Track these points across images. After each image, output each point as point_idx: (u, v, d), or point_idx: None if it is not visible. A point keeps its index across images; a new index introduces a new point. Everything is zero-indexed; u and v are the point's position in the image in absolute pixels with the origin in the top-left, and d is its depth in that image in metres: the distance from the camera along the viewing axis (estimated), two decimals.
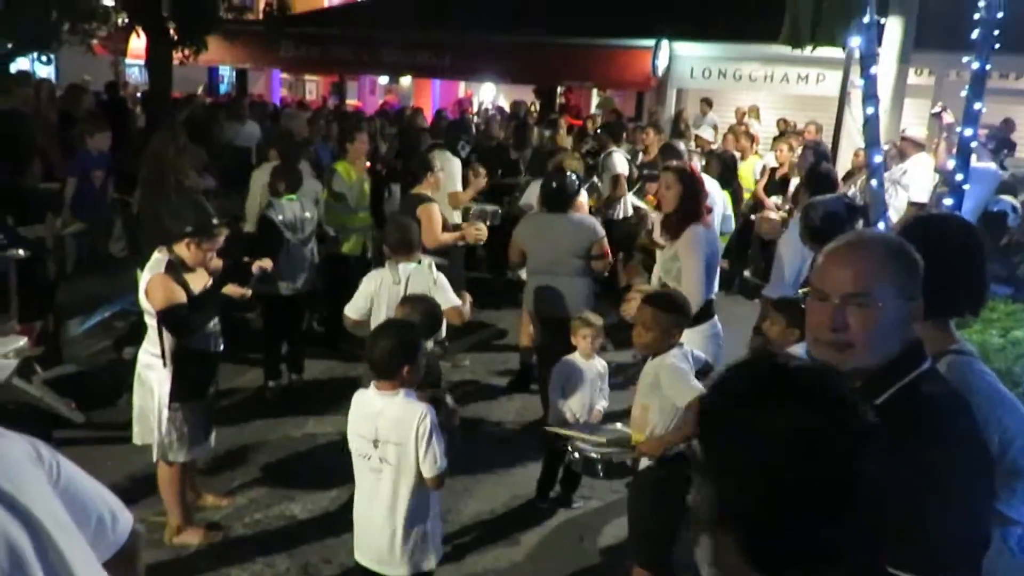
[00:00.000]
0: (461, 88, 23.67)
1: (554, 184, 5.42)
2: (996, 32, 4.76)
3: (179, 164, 5.75)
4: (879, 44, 5.83)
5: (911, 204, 7.39)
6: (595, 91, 18.77)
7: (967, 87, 4.99)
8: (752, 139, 10.38)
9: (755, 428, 1.11)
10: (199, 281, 3.98)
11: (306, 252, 5.96)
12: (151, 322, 3.90)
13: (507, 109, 17.33)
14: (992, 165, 7.79)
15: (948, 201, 5.21)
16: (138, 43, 13.35)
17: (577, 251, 5.27)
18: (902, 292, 1.62)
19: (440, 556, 3.26)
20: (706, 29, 13.47)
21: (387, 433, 3.00)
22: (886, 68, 8.23)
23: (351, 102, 19.70)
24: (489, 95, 23.45)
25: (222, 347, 4.21)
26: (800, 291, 4.15)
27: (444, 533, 3.50)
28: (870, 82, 5.33)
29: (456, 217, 7.09)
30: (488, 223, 6.85)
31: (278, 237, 5.70)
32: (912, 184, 7.50)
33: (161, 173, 5.68)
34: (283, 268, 5.64)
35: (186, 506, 4.18)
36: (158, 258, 3.92)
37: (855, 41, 5.43)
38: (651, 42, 13.84)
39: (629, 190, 8.47)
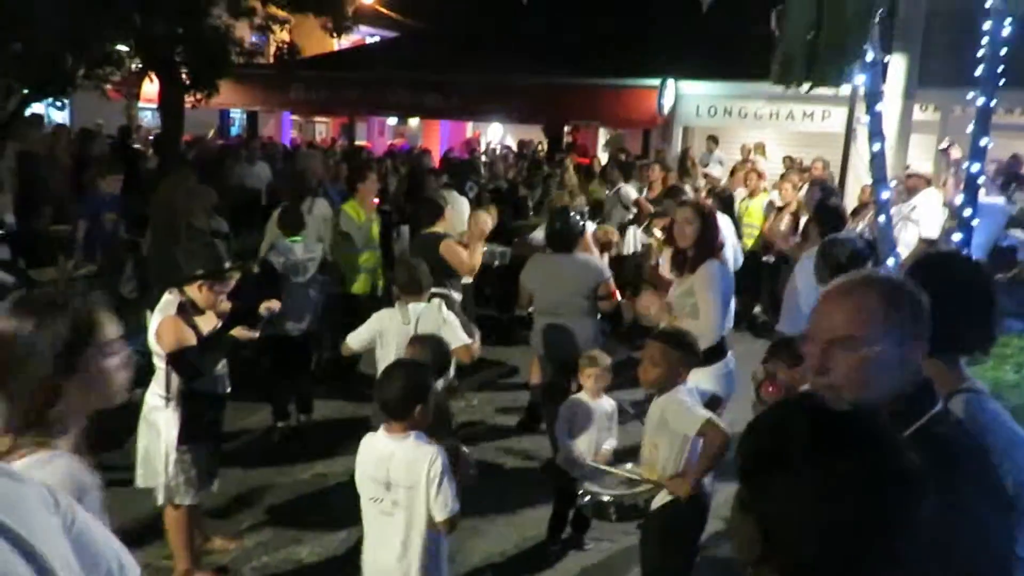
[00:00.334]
0: (469, 128, 23.90)
1: (558, 225, 5.44)
2: (1000, 68, 4.78)
3: (189, 206, 5.81)
4: (883, 81, 5.86)
5: (922, 240, 7.38)
6: (601, 129, 18.93)
7: (973, 123, 5.00)
8: (760, 176, 10.41)
9: (804, 474, 1.13)
10: (208, 323, 3.99)
11: (310, 292, 5.97)
12: (159, 364, 3.90)
13: (515, 148, 17.48)
14: (1001, 200, 7.79)
15: (957, 236, 5.19)
16: (151, 87, 13.60)
17: (583, 291, 5.27)
18: (893, 336, 1.60)
19: None
20: (711, 68, 13.61)
21: (398, 476, 2.98)
22: (891, 105, 8.28)
23: (360, 142, 19.93)
24: (497, 135, 23.66)
25: (229, 389, 4.20)
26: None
27: (453, 575, 3.45)
28: (875, 119, 5.36)
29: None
30: (497, 264, 6.88)
31: (277, 279, 5.74)
32: (922, 220, 7.49)
33: (171, 215, 5.74)
34: (288, 309, 5.66)
35: (193, 549, 4.13)
36: (169, 299, 3.94)
37: (859, 79, 5.47)
38: (657, 81, 14.00)
39: (637, 225, 8.52)
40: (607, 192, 9.69)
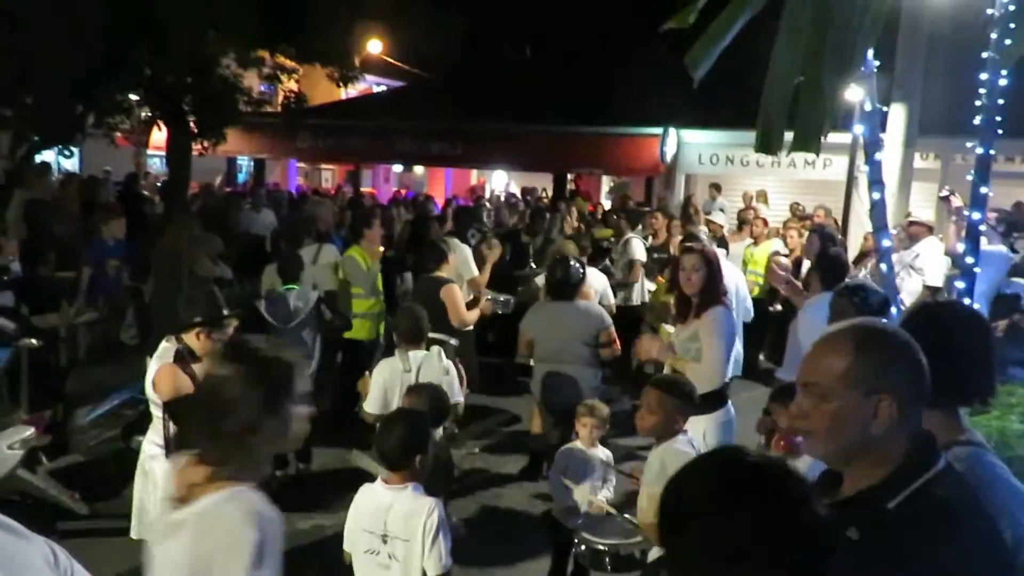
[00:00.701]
0: (474, 175, 24.12)
1: (559, 273, 5.46)
2: (999, 118, 4.82)
3: (192, 253, 5.84)
4: (883, 130, 5.91)
5: (926, 288, 7.36)
6: (604, 176, 19.07)
7: (972, 171, 5.02)
8: (765, 223, 10.45)
9: (715, 525, 1.14)
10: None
11: (302, 337, 5.93)
12: (156, 412, 3.88)
13: (519, 195, 17.61)
14: (1003, 248, 7.77)
15: (960, 284, 5.18)
16: (159, 135, 13.75)
17: (584, 338, 5.26)
18: (860, 386, 1.57)
19: None
20: (712, 117, 13.74)
21: (396, 529, 2.94)
22: (891, 153, 8.32)
23: (366, 189, 20.09)
24: (501, 182, 23.85)
25: None
26: None
27: None
28: (875, 168, 5.38)
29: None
30: (501, 312, 6.90)
31: (264, 327, 5.74)
32: (926, 268, 7.49)
33: (174, 262, 5.77)
34: None
35: None
36: (166, 347, 3.93)
37: (858, 128, 5.51)
38: (659, 130, 14.14)
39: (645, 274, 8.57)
40: (611, 239, 9.75)
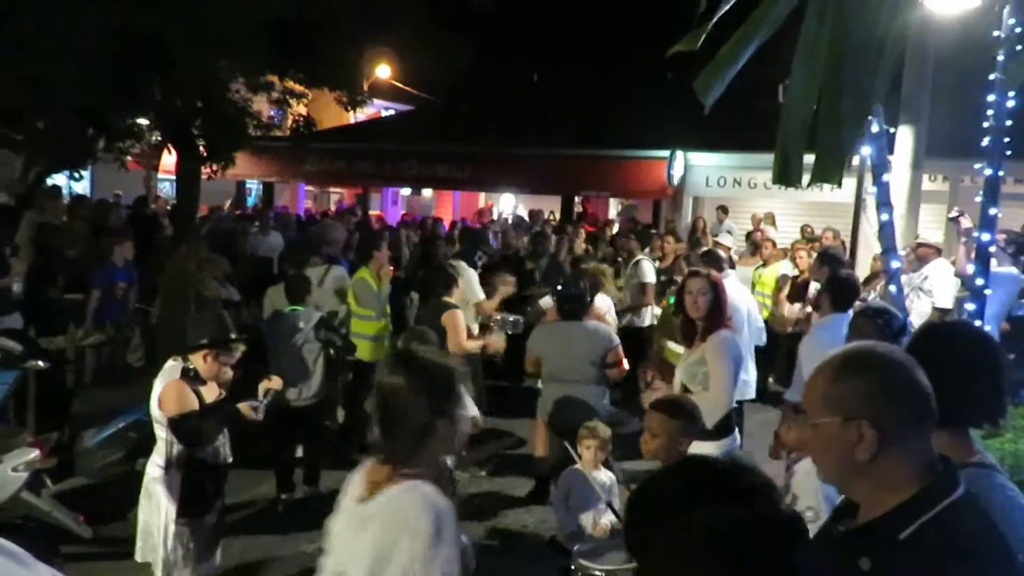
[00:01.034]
0: (481, 198, 24.19)
1: (568, 292, 5.45)
2: (1007, 139, 4.81)
3: (199, 276, 5.85)
4: (890, 152, 5.90)
5: (936, 309, 7.32)
6: (612, 199, 19.11)
7: (981, 192, 5.00)
8: (775, 245, 10.43)
9: (676, 525, 1.17)
10: (211, 393, 3.96)
11: (303, 354, 5.91)
12: (160, 432, 3.86)
13: (527, 218, 17.63)
14: (1013, 269, 7.72)
15: (970, 306, 5.14)
16: (169, 159, 13.87)
17: (592, 358, 5.24)
18: (839, 412, 1.54)
19: None
20: (719, 139, 13.79)
21: None
22: (900, 175, 8.30)
23: (374, 212, 20.17)
24: (509, 204, 23.90)
25: (231, 459, 4.14)
26: None
27: None
28: (882, 189, 5.37)
29: (475, 327, 7.10)
30: (511, 332, 6.88)
31: (264, 347, 5.74)
32: (935, 289, 7.45)
33: (181, 285, 5.78)
34: (284, 376, 5.61)
35: None
36: (172, 366, 3.93)
37: (865, 150, 5.50)
38: (666, 152, 14.19)
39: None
40: (619, 259, 9.75)
